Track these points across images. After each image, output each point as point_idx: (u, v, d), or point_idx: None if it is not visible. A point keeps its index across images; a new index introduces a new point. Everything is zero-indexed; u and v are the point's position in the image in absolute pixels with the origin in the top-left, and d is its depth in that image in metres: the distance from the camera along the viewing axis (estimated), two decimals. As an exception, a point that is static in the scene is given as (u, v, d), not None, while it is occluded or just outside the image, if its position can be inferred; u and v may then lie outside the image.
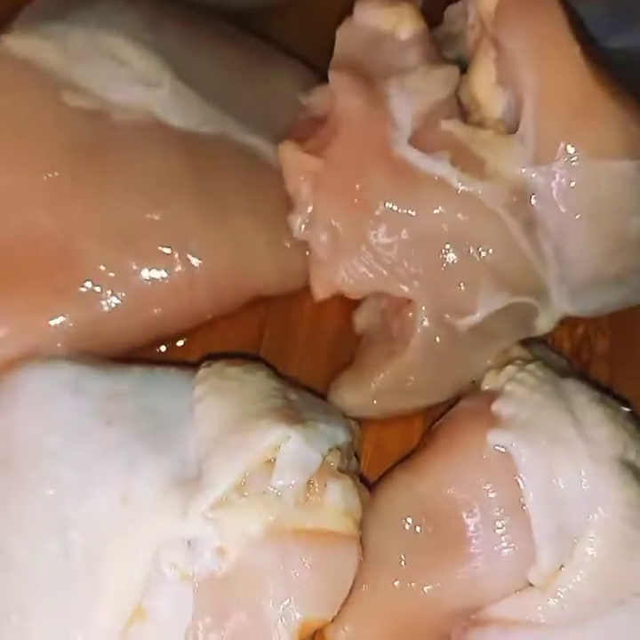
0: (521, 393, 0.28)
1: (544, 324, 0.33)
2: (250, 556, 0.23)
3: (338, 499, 0.24)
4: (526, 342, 0.33)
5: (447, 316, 0.31)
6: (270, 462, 0.24)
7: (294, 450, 0.24)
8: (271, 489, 0.24)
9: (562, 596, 0.26)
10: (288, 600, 0.23)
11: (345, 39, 0.34)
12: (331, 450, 0.26)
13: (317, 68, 0.37)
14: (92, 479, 0.25)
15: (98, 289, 0.31)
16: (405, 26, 0.33)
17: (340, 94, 0.32)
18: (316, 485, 0.24)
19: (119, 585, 0.24)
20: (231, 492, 0.24)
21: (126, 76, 0.32)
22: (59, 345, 0.31)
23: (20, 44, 0.32)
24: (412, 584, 0.27)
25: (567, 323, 0.34)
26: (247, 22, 0.41)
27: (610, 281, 0.32)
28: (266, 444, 0.24)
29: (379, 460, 0.32)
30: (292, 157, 0.33)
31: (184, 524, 0.24)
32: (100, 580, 0.24)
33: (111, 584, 0.24)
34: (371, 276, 0.32)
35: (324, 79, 0.35)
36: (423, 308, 0.31)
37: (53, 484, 0.26)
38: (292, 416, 0.25)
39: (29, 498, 0.26)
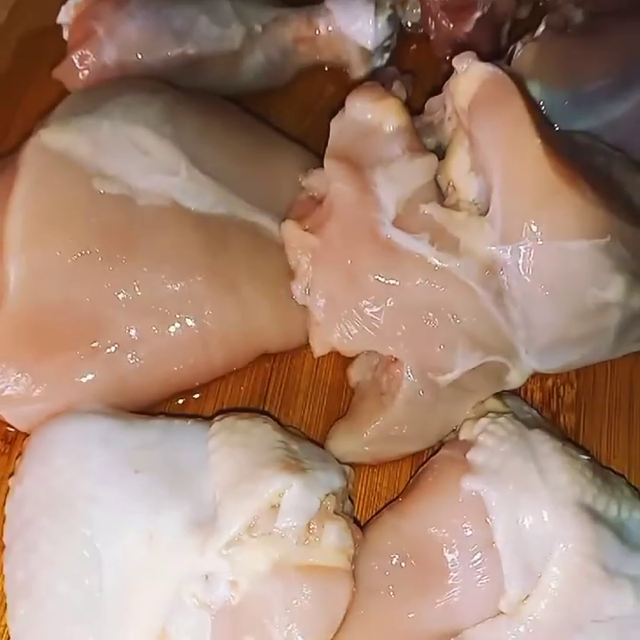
0: (492, 443, 0.32)
1: (515, 379, 0.37)
2: (258, 588, 0.27)
3: (334, 538, 0.28)
4: (500, 394, 0.37)
5: (429, 373, 0.35)
6: (275, 507, 0.28)
7: (296, 496, 0.28)
8: (276, 530, 0.28)
9: (528, 622, 0.30)
10: (291, 625, 0.26)
11: (337, 131, 0.38)
12: (327, 495, 0.30)
13: (314, 147, 0.42)
14: (122, 521, 0.29)
15: (123, 351, 0.35)
16: (390, 120, 0.37)
17: (334, 182, 0.36)
18: (315, 527, 0.28)
19: (146, 613, 0.28)
20: (242, 532, 0.28)
21: (148, 165, 0.37)
22: (89, 400, 0.35)
23: (55, 137, 0.37)
24: (399, 612, 0.31)
25: (538, 376, 0.39)
26: (252, 103, 0.46)
27: (571, 343, 0.36)
28: (271, 491, 0.28)
29: (370, 500, 0.36)
30: (292, 235, 0.38)
31: (202, 561, 0.28)
32: (130, 609, 0.28)
33: (139, 612, 0.28)
34: (362, 337, 0.36)
35: (321, 157, 0.38)
36: (408, 366, 0.35)
37: (88, 526, 0.30)
38: (294, 465, 0.29)
39: (68, 537, 0.30)
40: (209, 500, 0.29)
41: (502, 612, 0.30)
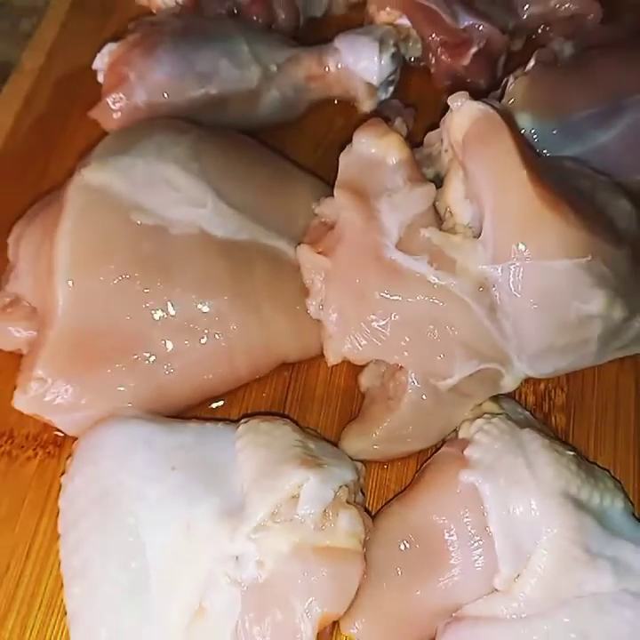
0: (486, 441, 0.35)
1: (509, 384, 0.40)
2: (282, 566, 0.31)
3: (346, 524, 0.32)
4: (496, 397, 0.40)
5: (431, 379, 0.38)
6: (295, 497, 0.32)
7: (313, 488, 0.32)
8: (296, 517, 0.32)
9: (520, 598, 0.34)
10: (311, 599, 0.30)
11: (345, 164, 0.42)
12: (341, 487, 0.33)
13: (325, 177, 0.45)
14: (162, 512, 0.33)
15: (160, 363, 0.39)
16: (392, 154, 0.40)
17: (343, 210, 0.40)
18: (330, 514, 0.32)
19: (185, 591, 0.32)
20: (267, 519, 0.32)
21: (179, 199, 0.40)
22: (129, 407, 0.39)
23: (96, 176, 0.40)
24: (407, 590, 0.35)
25: (531, 380, 0.42)
26: (268, 136, 0.50)
27: (559, 352, 0.39)
28: (291, 484, 0.32)
29: (380, 493, 0.39)
30: (307, 257, 0.41)
31: (233, 544, 0.31)
32: (171, 588, 0.32)
33: (179, 590, 0.32)
34: (370, 347, 0.39)
35: (331, 186, 0.42)
36: (412, 373, 0.39)
37: (133, 517, 0.34)
38: (311, 461, 0.33)
39: (116, 527, 0.34)
40: (237, 493, 0.33)
41: (497, 590, 0.33)
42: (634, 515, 0.36)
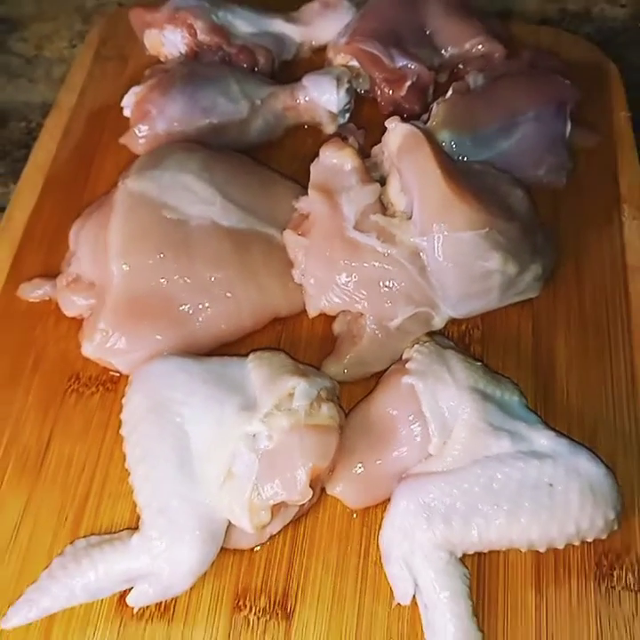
0: (420, 357, 0.49)
1: (438, 323, 0.53)
2: (284, 438, 0.44)
3: (327, 411, 0.46)
4: (430, 334, 0.54)
5: (383, 321, 0.52)
6: (291, 395, 0.46)
7: (303, 388, 0.46)
8: (293, 407, 0.45)
9: (447, 458, 0.47)
10: (304, 457, 0.43)
11: (315, 171, 0.55)
12: (321, 389, 0.48)
13: (301, 182, 0.58)
14: (200, 411, 0.46)
15: (188, 317, 0.52)
16: (348, 162, 0.54)
17: (315, 204, 0.53)
18: (316, 405, 0.46)
19: (219, 460, 0.45)
20: (273, 409, 0.45)
21: (195, 200, 0.53)
22: (168, 350, 0.52)
23: (135, 184, 0.54)
24: (370, 460, 0.48)
25: (455, 321, 0.55)
26: (256, 153, 0.62)
27: (471, 297, 0.52)
28: (288, 386, 0.46)
29: (350, 402, 0.51)
30: (290, 239, 0.54)
31: (250, 426, 0.45)
32: (209, 460, 0.45)
33: (215, 460, 0.45)
34: (339, 302, 0.52)
35: (306, 189, 0.55)
36: (369, 317, 0.52)
37: (179, 417, 0.46)
38: (301, 372, 0.48)
39: (167, 425, 0.47)
40: (251, 395, 0.47)
41: (431, 454, 0.46)
42: (527, 406, 0.50)
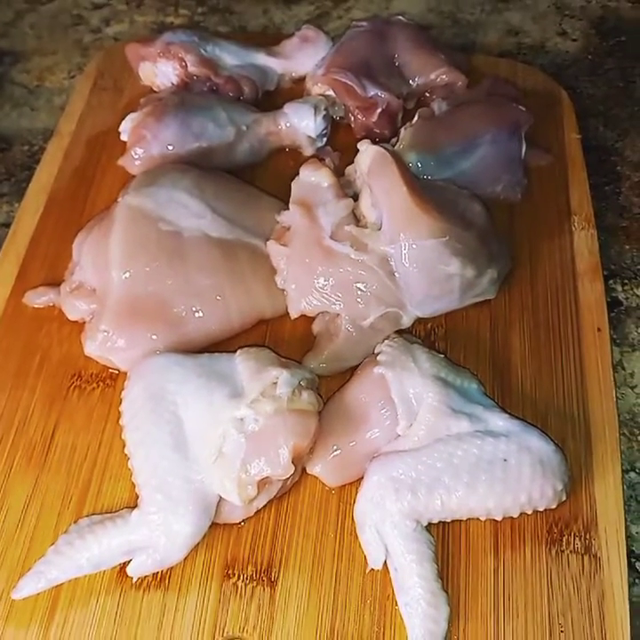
0: (389, 350, 0.55)
1: (406, 321, 0.59)
2: (269, 421, 0.49)
3: (307, 397, 0.51)
4: (399, 331, 0.59)
5: (356, 320, 0.57)
6: (275, 383, 0.51)
7: (285, 377, 0.51)
8: (276, 394, 0.51)
9: (414, 438, 0.52)
10: (287, 436, 0.49)
11: (296, 187, 0.61)
12: (302, 380, 0.53)
13: (282, 198, 0.63)
14: (193, 399, 0.51)
15: (182, 319, 0.57)
16: (325, 180, 0.60)
17: (295, 217, 0.59)
18: (297, 393, 0.51)
19: (210, 441, 0.50)
20: (258, 396, 0.51)
21: (187, 214, 0.59)
22: (162, 348, 0.57)
23: (133, 200, 0.59)
24: (345, 442, 0.53)
25: (421, 321, 0.60)
26: (242, 174, 0.68)
27: (435, 298, 0.58)
28: (272, 376, 0.51)
29: (328, 392, 0.56)
30: (274, 249, 0.60)
31: (238, 411, 0.50)
32: (202, 441, 0.51)
33: (206, 443, 0.50)
34: (318, 304, 0.57)
35: (287, 204, 0.61)
36: (345, 316, 0.57)
37: (174, 405, 0.51)
38: (283, 363, 0.54)
39: (162, 412, 0.51)
40: (239, 386, 0.52)
41: (399, 435, 0.51)
42: (484, 393, 0.56)
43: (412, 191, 0.58)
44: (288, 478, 0.52)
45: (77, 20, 0.89)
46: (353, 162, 0.62)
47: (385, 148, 0.60)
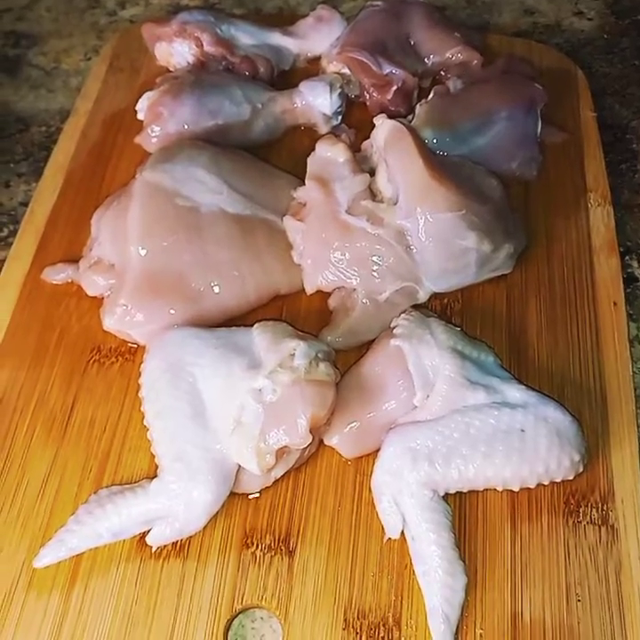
0: (406, 323, 0.55)
1: (422, 296, 0.59)
2: (286, 391, 0.50)
3: (324, 368, 0.51)
4: (415, 306, 0.59)
5: (372, 294, 0.57)
6: (292, 355, 0.51)
7: (302, 349, 0.51)
8: (294, 365, 0.51)
9: (431, 409, 0.52)
10: (305, 406, 0.49)
11: (312, 163, 0.61)
12: (319, 351, 0.54)
13: (298, 175, 0.64)
14: (211, 371, 0.52)
15: (200, 293, 0.57)
16: (341, 155, 0.60)
17: (312, 192, 0.60)
18: (314, 364, 0.52)
19: (229, 411, 0.51)
20: (276, 367, 0.51)
21: (205, 190, 0.59)
22: (181, 323, 0.57)
23: (151, 175, 0.59)
24: (362, 414, 0.53)
25: (438, 296, 0.61)
26: (258, 151, 0.68)
27: (451, 273, 0.58)
28: (290, 347, 0.51)
29: (346, 363, 0.56)
30: (290, 224, 0.60)
31: (256, 382, 0.50)
32: (221, 411, 0.51)
33: (225, 413, 0.51)
34: (334, 279, 0.58)
35: (302, 180, 0.62)
36: (361, 291, 0.58)
37: (192, 376, 0.52)
38: (301, 336, 0.54)
39: (180, 384, 0.51)
40: (256, 357, 0.52)
41: (416, 406, 0.52)
42: (501, 365, 0.56)
43: (429, 165, 0.58)
44: (306, 448, 0.52)
45: (93, 3, 0.89)
46: (369, 138, 0.63)
47: (401, 123, 0.60)
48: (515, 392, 0.53)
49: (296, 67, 0.77)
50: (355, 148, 0.63)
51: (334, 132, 0.69)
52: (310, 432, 0.50)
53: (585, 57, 0.86)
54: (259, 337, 0.54)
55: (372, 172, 0.60)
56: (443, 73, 0.76)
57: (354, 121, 0.73)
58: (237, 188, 0.61)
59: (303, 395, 0.50)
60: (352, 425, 0.54)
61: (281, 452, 0.51)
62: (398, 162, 0.59)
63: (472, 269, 0.60)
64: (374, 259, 0.58)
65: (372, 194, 0.60)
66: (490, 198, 0.61)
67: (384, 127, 0.60)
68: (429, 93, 0.70)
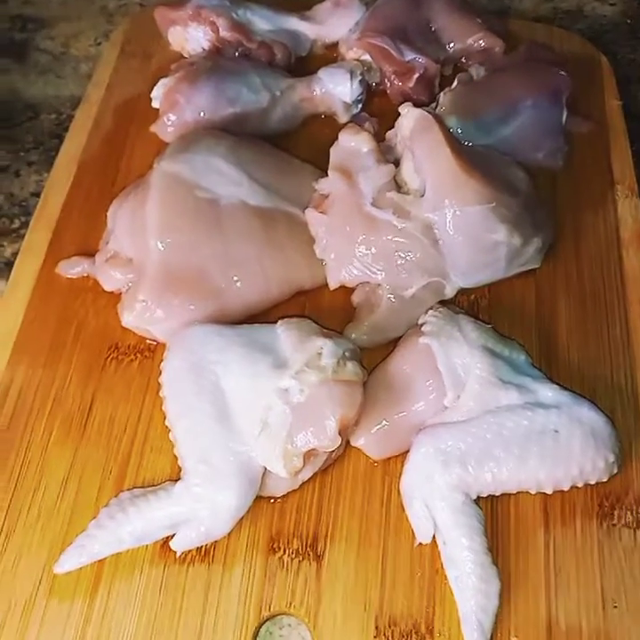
0: (434, 320, 0.54)
1: (449, 292, 0.57)
2: (314, 391, 0.48)
3: (351, 368, 0.49)
4: (442, 302, 0.58)
5: (398, 290, 0.56)
6: (319, 353, 0.50)
7: (330, 347, 0.50)
8: (322, 364, 0.49)
9: (462, 409, 0.51)
10: (333, 407, 0.48)
11: (335, 154, 0.59)
12: (346, 350, 0.52)
13: (318, 165, 0.63)
14: (235, 369, 0.50)
15: (221, 289, 0.56)
16: (365, 145, 0.59)
17: (335, 183, 0.58)
18: (342, 363, 0.50)
19: (254, 414, 0.49)
20: (303, 366, 0.49)
21: (224, 181, 0.57)
22: (201, 319, 0.55)
23: (169, 166, 0.57)
24: (390, 414, 0.52)
25: (465, 291, 0.59)
26: (276, 140, 0.66)
27: (479, 267, 0.57)
28: (317, 345, 0.50)
29: (370, 365, 0.54)
30: (313, 217, 0.58)
31: (283, 382, 0.49)
32: (246, 412, 0.50)
33: (250, 414, 0.50)
34: (359, 274, 0.56)
35: (322, 171, 0.60)
36: (386, 287, 0.56)
37: (215, 375, 0.50)
38: (328, 333, 0.52)
39: (204, 382, 0.50)
40: (282, 356, 0.51)
41: (446, 407, 0.50)
42: (532, 364, 0.54)
43: (458, 155, 0.56)
44: (333, 450, 0.50)
45: (101, -14, 0.86)
46: (391, 128, 0.61)
47: (428, 111, 0.58)
48: (548, 392, 0.52)
49: (313, 53, 0.75)
50: (378, 137, 0.61)
51: (356, 122, 0.67)
52: (339, 434, 0.49)
53: (608, 43, 0.84)
54: (283, 334, 0.53)
55: (397, 163, 0.59)
56: (464, 60, 0.74)
57: (374, 110, 0.71)
58: (258, 180, 0.59)
59: (331, 395, 0.49)
60: (380, 425, 0.53)
61: (308, 455, 0.49)
62: (425, 152, 0.57)
63: (501, 264, 0.58)
64: (400, 253, 0.56)
65: (397, 185, 0.58)
66: (519, 190, 0.60)
67: (410, 116, 0.58)
68: (452, 81, 0.69)
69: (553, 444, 0.49)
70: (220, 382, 0.51)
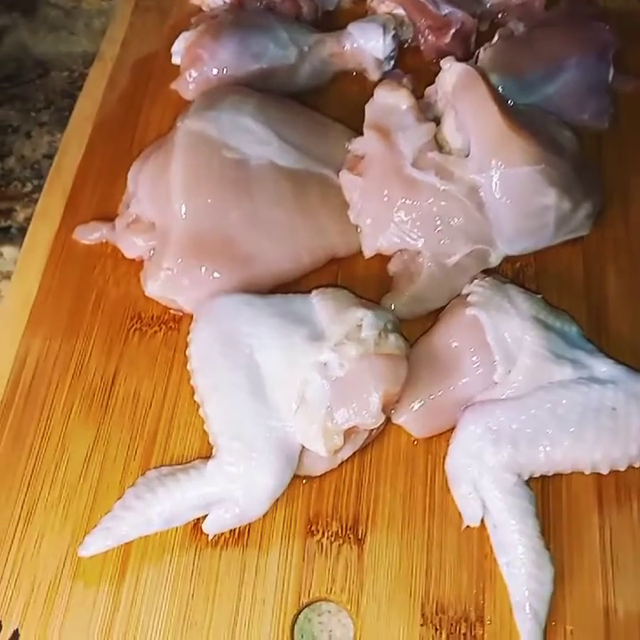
0: (481, 290, 0.50)
1: (494, 260, 0.54)
2: (355, 365, 0.45)
3: (393, 341, 0.46)
4: (486, 271, 0.54)
5: (440, 258, 0.53)
6: (359, 326, 0.46)
7: (370, 319, 0.46)
8: (362, 337, 0.46)
9: (512, 386, 0.47)
10: (375, 382, 0.45)
11: (370, 111, 0.56)
12: (387, 321, 0.49)
13: (349, 125, 0.59)
14: (269, 342, 0.47)
15: (250, 256, 0.52)
16: (404, 101, 0.55)
17: (371, 143, 0.54)
18: (383, 335, 0.47)
19: (292, 388, 0.46)
20: (342, 339, 0.46)
21: (253, 140, 0.54)
22: (230, 288, 0.52)
23: (194, 124, 0.54)
24: (434, 390, 0.49)
25: (509, 259, 0.55)
26: (305, 98, 0.63)
27: (527, 233, 0.53)
28: (357, 316, 0.46)
29: (410, 338, 0.51)
30: (347, 179, 0.55)
31: (321, 355, 0.45)
32: (282, 386, 0.46)
33: (287, 388, 0.46)
34: (397, 241, 0.53)
35: (355, 131, 0.57)
36: (427, 254, 0.53)
37: (248, 348, 0.47)
38: (367, 304, 0.49)
39: (237, 355, 0.47)
40: (319, 327, 0.47)
41: (496, 383, 0.47)
42: (585, 336, 0.51)
43: (505, 113, 0.52)
44: (374, 428, 0.47)
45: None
46: (424, 89, 0.58)
47: (471, 66, 0.54)
48: (602, 366, 0.49)
49: (341, 7, 0.72)
50: (415, 95, 0.57)
51: (391, 78, 0.63)
52: (382, 411, 0.45)
53: (652, -1, 0.78)
54: (319, 305, 0.49)
55: (438, 121, 0.55)
56: (502, 15, 0.71)
57: (406, 68, 0.67)
58: (288, 139, 0.56)
59: (373, 370, 0.46)
60: (422, 402, 0.49)
61: (349, 433, 0.46)
62: (470, 109, 0.53)
63: (549, 230, 0.54)
64: (443, 218, 0.53)
65: (438, 145, 0.54)
66: (566, 151, 0.56)
67: (453, 71, 0.54)
68: (488, 38, 0.65)
69: (610, 421, 0.46)
70: (254, 355, 0.48)
